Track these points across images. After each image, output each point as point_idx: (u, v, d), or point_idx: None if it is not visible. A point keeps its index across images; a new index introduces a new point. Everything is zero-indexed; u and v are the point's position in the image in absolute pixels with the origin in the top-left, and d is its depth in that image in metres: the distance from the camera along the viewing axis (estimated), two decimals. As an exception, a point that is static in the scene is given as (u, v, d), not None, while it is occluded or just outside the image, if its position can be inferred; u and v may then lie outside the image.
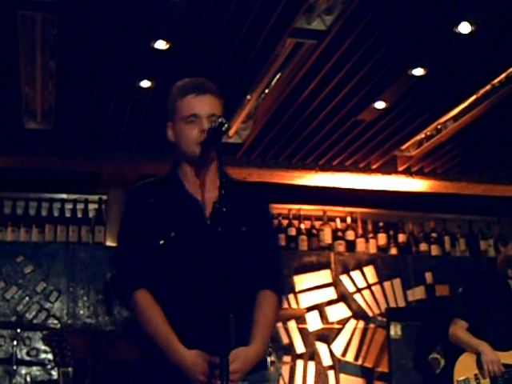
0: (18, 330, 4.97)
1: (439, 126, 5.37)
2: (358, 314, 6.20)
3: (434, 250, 6.67)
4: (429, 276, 6.39)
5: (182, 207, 2.47)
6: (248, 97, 4.80)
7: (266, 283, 2.50)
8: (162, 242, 2.41)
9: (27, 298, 5.63)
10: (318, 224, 6.55)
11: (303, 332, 6.02)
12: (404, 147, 5.72)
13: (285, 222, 6.41)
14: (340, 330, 6.13)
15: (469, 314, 4.51)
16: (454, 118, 5.18)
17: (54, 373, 5.42)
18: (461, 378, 4.41)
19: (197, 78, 2.58)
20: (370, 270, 6.32)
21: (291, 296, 5.99)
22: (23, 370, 5.45)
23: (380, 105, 4.87)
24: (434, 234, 6.73)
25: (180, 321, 2.36)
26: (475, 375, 4.38)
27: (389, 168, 5.97)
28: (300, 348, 5.98)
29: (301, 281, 6.05)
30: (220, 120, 2.38)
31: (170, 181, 2.57)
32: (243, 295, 2.42)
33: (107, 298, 5.72)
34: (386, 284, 6.32)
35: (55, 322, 5.62)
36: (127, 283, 2.44)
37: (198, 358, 2.27)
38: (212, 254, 2.30)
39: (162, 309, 2.38)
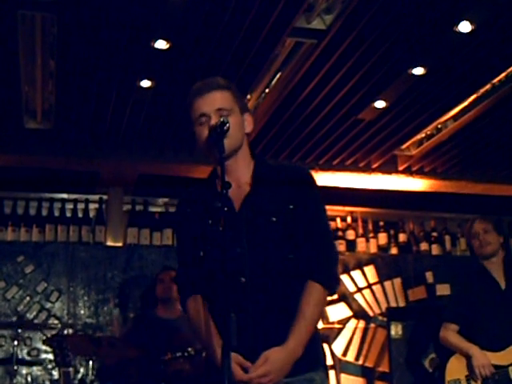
0: (19, 330, 4.97)
1: (439, 126, 5.37)
2: (359, 313, 6.20)
3: (435, 250, 6.67)
4: (429, 275, 6.39)
5: (214, 207, 2.44)
6: (248, 96, 4.80)
7: (311, 274, 2.42)
8: (201, 249, 2.47)
9: (28, 298, 5.63)
10: (318, 223, 6.54)
11: (304, 332, 6.01)
12: (404, 146, 5.72)
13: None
14: (341, 329, 6.13)
15: (459, 317, 4.50)
16: (454, 118, 5.17)
17: (55, 373, 5.43)
18: (452, 379, 4.41)
19: (207, 78, 2.57)
20: (370, 270, 6.32)
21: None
22: (24, 370, 5.46)
23: (380, 104, 4.87)
24: (434, 234, 6.73)
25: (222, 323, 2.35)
26: (466, 376, 4.37)
27: (389, 167, 5.96)
28: (300, 348, 5.98)
29: (301, 280, 6.04)
30: (222, 120, 2.38)
31: (207, 185, 2.58)
32: (288, 287, 2.40)
33: (122, 303, 5.72)
34: (387, 283, 6.32)
35: (56, 321, 5.62)
36: (181, 293, 2.58)
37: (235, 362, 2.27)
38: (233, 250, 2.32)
39: (210, 312, 2.45)
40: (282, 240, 2.41)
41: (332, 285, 2.48)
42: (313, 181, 2.55)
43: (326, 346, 6.04)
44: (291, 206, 2.43)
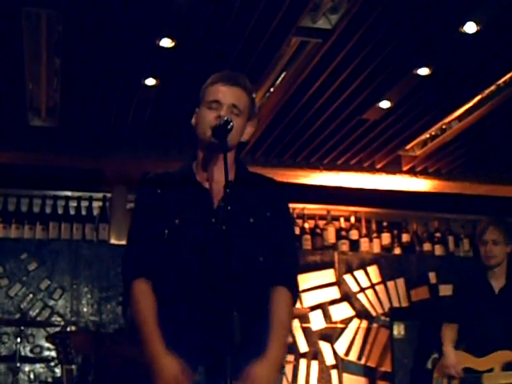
0: (22, 327, 4.97)
1: (444, 126, 5.36)
2: (362, 313, 6.20)
3: (438, 250, 6.66)
4: (432, 276, 6.38)
5: (190, 196, 2.47)
6: (253, 95, 4.79)
7: (278, 279, 2.46)
8: (166, 231, 2.43)
9: (31, 296, 5.63)
10: (321, 223, 6.55)
11: (306, 331, 6.02)
12: (408, 147, 5.71)
13: (289, 221, 6.41)
14: (343, 329, 6.13)
15: (457, 318, 4.52)
16: (459, 118, 5.16)
17: (58, 370, 5.43)
18: (436, 377, 4.45)
19: (235, 72, 2.61)
20: (373, 270, 6.31)
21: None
22: (27, 367, 5.47)
23: (385, 104, 4.86)
24: (437, 234, 6.73)
25: (179, 313, 2.36)
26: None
27: (393, 168, 5.96)
28: (303, 347, 5.98)
29: (304, 280, 6.04)
30: (225, 118, 2.40)
31: (182, 172, 2.56)
32: (253, 289, 2.40)
33: (124, 301, 5.72)
34: (390, 284, 6.31)
35: (59, 319, 5.62)
36: (128, 272, 2.47)
37: (176, 370, 2.25)
38: (216, 244, 2.29)
39: (164, 299, 2.39)
40: (256, 242, 2.45)
41: (297, 292, 2.53)
42: (286, 193, 2.64)
43: (328, 345, 6.05)
44: (268, 214, 2.50)
